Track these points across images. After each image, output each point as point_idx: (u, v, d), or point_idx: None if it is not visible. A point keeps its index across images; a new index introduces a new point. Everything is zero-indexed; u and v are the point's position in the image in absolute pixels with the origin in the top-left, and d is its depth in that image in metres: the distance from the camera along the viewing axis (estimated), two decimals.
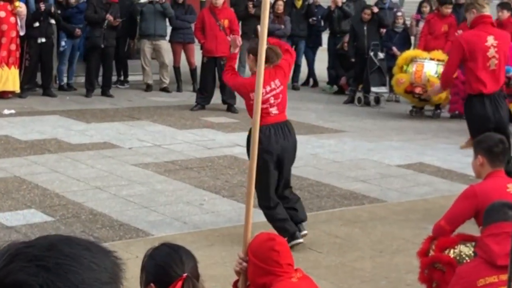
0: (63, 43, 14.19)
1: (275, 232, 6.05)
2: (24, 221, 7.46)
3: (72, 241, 1.28)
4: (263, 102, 6.27)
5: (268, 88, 6.82)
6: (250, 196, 4.37)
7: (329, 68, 16.52)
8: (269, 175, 6.98)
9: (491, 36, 8.23)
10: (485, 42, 8.19)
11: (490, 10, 8.45)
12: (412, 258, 6.60)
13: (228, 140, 11.35)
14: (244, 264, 4.13)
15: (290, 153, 7.14)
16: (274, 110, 6.96)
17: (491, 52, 8.22)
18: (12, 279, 1.21)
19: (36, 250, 1.26)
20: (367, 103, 14.80)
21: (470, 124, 8.46)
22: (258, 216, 6.85)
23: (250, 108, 6.30)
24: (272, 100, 6.93)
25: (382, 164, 10.36)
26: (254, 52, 6.48)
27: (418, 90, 13.50)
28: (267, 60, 6.27)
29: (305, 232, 7.22)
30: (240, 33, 13.88)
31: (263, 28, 4.32)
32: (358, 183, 9.37)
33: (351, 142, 11.55)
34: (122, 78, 15.72)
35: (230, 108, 13.68)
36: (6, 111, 12.41)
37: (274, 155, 6.95)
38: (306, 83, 16.94)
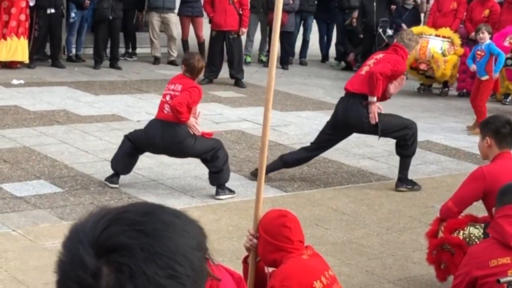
0: (73, 14, 14.17)
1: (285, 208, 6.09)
2: (33, 191, 7.51)
3: (164, 208, 1.34)
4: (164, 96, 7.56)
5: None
6: (261, 172, 4.38)
7: (337, 44, 16.49)
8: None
9: None
10: None
11: None
12: (419, 236, 6.67)
13: (235, 115, 11.37)
14: (255, 240, 4.16)
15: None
16: (167, 108, 7.53)
17: None
18: (113, 242, 1.26)
19: (133, 215, 1.30)
20: None
21: None
22: (267, 192, 6.89)
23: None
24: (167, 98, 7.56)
25: (390, 141, 10.34)
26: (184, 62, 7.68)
27: (422, 66, 13.48)
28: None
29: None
30: (248, 7, 13.86)
31: (278, 3, 4.33)
32: (365, 160, 9.40)
33: None
34: (130, 50, 15.71)
35: (238, 82, 13.68)
36: (15, 81, 12.44)
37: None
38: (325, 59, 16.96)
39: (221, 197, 7.71)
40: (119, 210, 1.32)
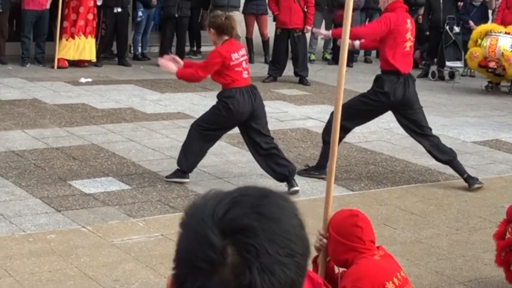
0: (140, 13, 14.32)
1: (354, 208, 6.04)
2: (102, 188, 7.60)
3: (275, 193, 1.43)
4: (238, 66, 7.48)
5: (240, 53, 7.52)
6: (331, 172, 4.35)
7: None
8: (227, 128, 7.78)
9: None
10: None
11: None
12: (489, 237, 6.53)
13: (300, 113, 11.34)
14: (325, 240, 4.12)
15: (260, 110, 7.76)
16: (245, 74, 7.60)
17: None
18: (238, 223, 1.33)
19: (252, 198, 1.38)
20: (442, 78, 14.60)
21: None
22: (333, 191, 6.84)
23: (224, 75, 7.50)
24: (244, 64, 7.59)
25: (458, 140, 10.22)
26: (213, 25, 7.48)
27: (492, 64, 13.26)
28: (225, 32, 7.39)
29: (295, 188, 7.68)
30: (313, 4, 13.81)
31: (349, 2, 4.29)
32: (433, 159, 9.25)
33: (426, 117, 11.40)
34: (195, 48, 15.79)
35: (302, 80, 13.64)
36: (83, 80, 12.62)
37: (245, 114, 7.57)
38: None
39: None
40: (236, 193, 1.40)
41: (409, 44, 8.08)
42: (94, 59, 13.80)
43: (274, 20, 13.94)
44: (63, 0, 13.46)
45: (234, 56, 7.46)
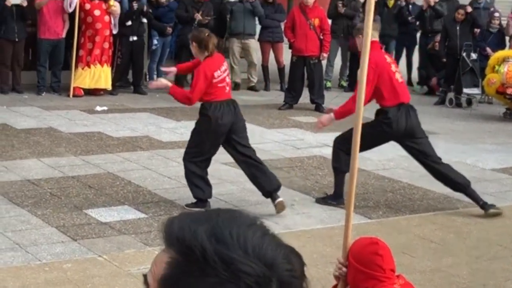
0: (155, 42, 14.36)
1: (373, 236, 5.96)
2: (118, 217, 7.55)
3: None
4: (221, 82, 7.68)
5: (222, 68, 7.74)
6: (350, 200, 4.28)
7: (419, 68, 16.28)
8: (214, 144, 7.85)
9: None
10: None
11: None
12: (511, 265, 6.43)
13: (317, 140, 11.28)
14: (344, 269, 4.05)
15: (240, 123, 7.94)
16: (227, 89, 7.82)
17: None
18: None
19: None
20: (459, 105, 14.51)
21: None
22: (353, 219, 6.75)
23: (206, 93, 7.63)
24: (227, 79, 7.84)
25: (476, 167, 10.12)
26: (195, 39, 7.67)
27: (510, 90, 13.19)
28: (205, 48, 7.60)
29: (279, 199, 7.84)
30: (329, 32, 13.81)
31: (367, 29, 4.24)
32: None
33: (443, 144, 11.30)
34: None
35: (319, 107, 13.60)
36: (98, 108, 12.64)
37: (226, 126, 7.74)
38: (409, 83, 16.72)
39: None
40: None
41: (398, 75, 8.10)
42: (109, 87, 13.82)
43: (290, 47, 13.94)
44: (79, 29, 13.53)
45: (217, 73, 7.67)
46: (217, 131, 7.72)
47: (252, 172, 7.94)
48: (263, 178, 7.89)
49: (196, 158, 7.82)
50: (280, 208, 7.84)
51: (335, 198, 8.25)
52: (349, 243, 4.15)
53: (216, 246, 1.29)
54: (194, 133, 7.94)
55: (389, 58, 8.23)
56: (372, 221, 7.87)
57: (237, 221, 1.36)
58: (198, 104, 8.06)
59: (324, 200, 8.36)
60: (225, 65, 7.82)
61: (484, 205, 8.07)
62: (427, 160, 8.14)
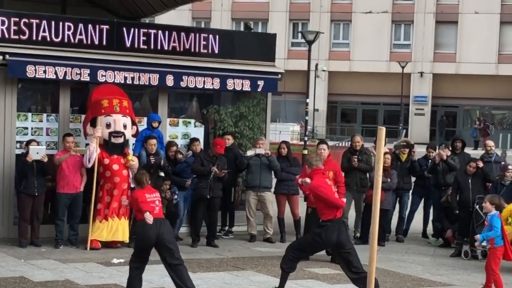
0: (175, 196, 14.55)
1: None
2: None
3: None
4: (151, 202, 9.87)
5: (154, 195, 10.05)
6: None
7: (434, 221, 16.37)
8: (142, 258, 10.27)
9: None
10: None
11: None
12: None
13: None
14: None
15: (169, 237, 10.08)
16: (156, 210, 9.89)
17: None
18: None
19: None
20: (475, 257, 14.46)
21: None
22: None
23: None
24: (157, 202, 9.99)
25: None
26: (134, 177, 10.59)
27: None
28: (140, 183, 10.09)
29: None
30: (344, 184, 13.99)
31: (378, 177, 4.40)
32: None
33: None
34: (226, 228, 15.89)
35: (334, 260, 13.57)
36: (115, 260, 12.69)
37: (151, 238, 9.88)
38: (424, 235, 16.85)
39: None
40: None
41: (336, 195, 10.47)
42: (127, 240, 13.92)
43: (305, 200, 14.09)
44: (97, 183, 13.79)
45: (148, 195, 9.91)
46: (145, 242, 9.90)
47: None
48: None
49: (134, 264, 10.26)
50: None
51: None
52: None
53: None
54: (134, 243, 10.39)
55: (329, 181, 10.90)
56: None
57: None
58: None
59: None
60: (156, 194, 10.10)
61: None
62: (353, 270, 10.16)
